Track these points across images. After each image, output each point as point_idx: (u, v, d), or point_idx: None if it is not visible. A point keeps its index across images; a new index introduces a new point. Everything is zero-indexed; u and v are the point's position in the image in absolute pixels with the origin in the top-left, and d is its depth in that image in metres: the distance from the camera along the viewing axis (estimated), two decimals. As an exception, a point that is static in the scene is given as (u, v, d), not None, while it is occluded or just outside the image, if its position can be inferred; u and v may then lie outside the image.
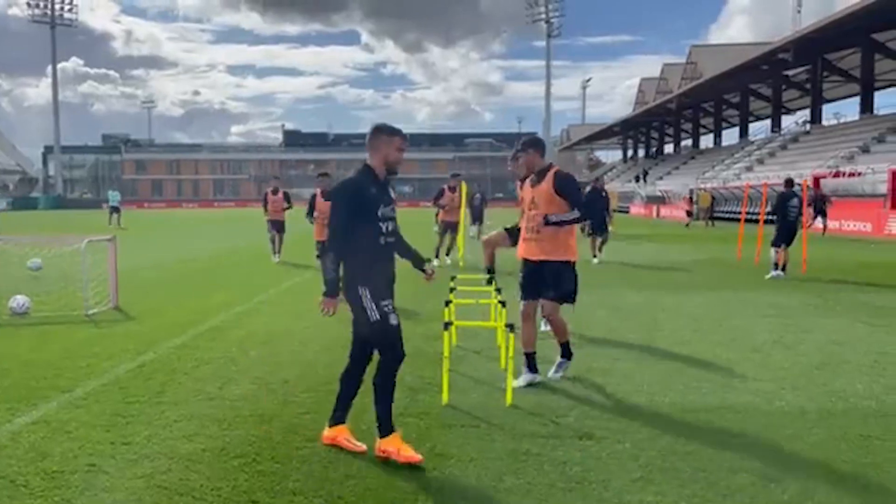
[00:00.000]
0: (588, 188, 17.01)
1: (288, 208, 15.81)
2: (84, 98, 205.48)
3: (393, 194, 4.24)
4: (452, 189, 14.96)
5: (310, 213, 11.66)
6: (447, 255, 15.30)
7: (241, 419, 4.63)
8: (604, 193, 16.59)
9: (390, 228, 4.11)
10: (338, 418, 4.20)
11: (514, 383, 5.14)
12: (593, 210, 15.71)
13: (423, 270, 4.42)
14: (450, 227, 15.08)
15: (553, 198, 5.33)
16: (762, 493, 3.54)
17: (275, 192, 15.84)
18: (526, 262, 5.53)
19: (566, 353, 5.68)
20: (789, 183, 13.21)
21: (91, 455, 4.02)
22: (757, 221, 17.33)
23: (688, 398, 5.13)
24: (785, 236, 12.57)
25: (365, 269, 4.03)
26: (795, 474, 3.75)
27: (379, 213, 4.04)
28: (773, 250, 12.63)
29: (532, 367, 5.50)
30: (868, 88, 40.85)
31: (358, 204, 3.96)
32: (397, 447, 3.93)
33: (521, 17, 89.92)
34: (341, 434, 4.17)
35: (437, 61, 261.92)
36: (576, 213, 5.29)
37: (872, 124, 37.94)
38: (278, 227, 15.61)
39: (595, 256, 15.40)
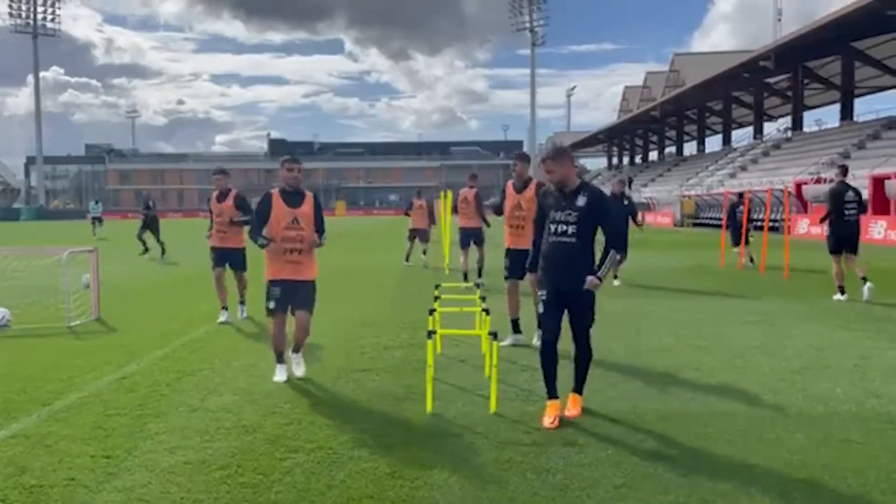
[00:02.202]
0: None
1: (246, 223, 8.64)
2: (65, 107, 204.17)
3: (579, 201, 4.83)
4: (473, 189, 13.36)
5: (252, 223, 6.93)
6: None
7: (223, 431, 4.61)
8: (626, 202, 13.28)
9: (559, 230, 4.84)
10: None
11: (501, 343, 6.27)
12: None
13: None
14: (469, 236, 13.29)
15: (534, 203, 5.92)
16: (743, 498, 3.56)
17: (222, 196, 8.87)
18: (512, 250, 7.14)
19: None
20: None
21: (70, 469, 3.98)
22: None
23: (670, 404, 5.16)
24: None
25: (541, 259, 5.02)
26: (776, 478, 3.78)
27: (550, 216, 4.92)
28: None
29: (516, 330, 7.27)
30: (848, 95, 41.42)
31: (539, 207, 5.13)
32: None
33: (506, 26, 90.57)
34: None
35: (421, 69, 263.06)
36: None
37: (853, 131, 38.44)
38: (230, 258, 8.90)
39: (615, 278, 12.56)
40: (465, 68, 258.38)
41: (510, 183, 7.30)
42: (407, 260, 16.76)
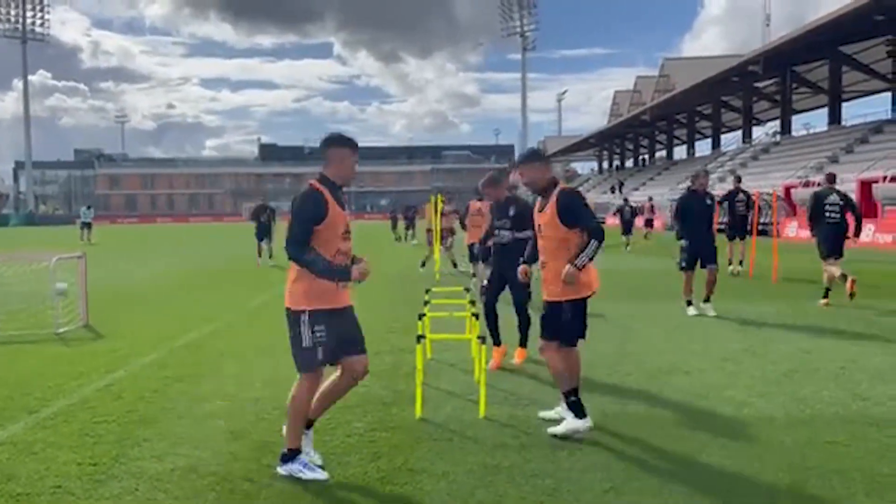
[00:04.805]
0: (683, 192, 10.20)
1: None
2: (52, 112, 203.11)
3: (511, 211, 6.57)
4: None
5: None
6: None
7: (211, 437, 4.59)
8: (709, 200, 9.56)
9: (498, 234, 6.59)
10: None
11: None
12: (691, 226, 9.33)
13: None
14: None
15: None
16: (731, 501, 3.58)
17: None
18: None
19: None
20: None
21: (57, 476, 3.95)
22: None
23: (659, 407, 5.18)
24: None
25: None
26: (764, 481, 3.81)
27: (492, 223, 6.73)
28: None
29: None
30: (836, 100, 41.74)
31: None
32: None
33: (498, 30, 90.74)
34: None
35: (412, 72, 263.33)
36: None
37: (841, 135, 38.73)
38: None
39: (707, 301, 9.44)
40: (457, 72, 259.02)
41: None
42: (455, 266, 15.72)
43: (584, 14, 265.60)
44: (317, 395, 4.01)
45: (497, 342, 6.52)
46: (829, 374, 6.08)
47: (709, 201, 9.52)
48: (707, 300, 9.41)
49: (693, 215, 9.34)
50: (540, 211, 4.78)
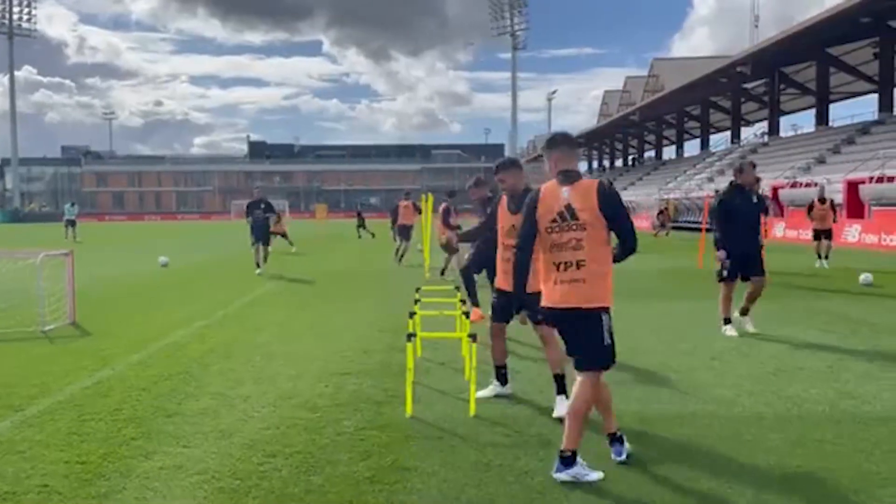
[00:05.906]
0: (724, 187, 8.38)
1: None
2: (38, 108, 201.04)
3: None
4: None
5: None
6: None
7: (200, 435, 4.56)
8: (755, 198, 8.11)
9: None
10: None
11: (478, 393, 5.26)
12: (735, 229, 7.78)
13: None
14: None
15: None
16: (720, 499, 3.59)
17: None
18: (501, 291, 5.29)
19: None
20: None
21: (44, 475, 3.91)
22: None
23: (649, 407, 5.19)
24: None
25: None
26: (753, 479, 3.82)
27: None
28: None
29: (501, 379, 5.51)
30: (823, 101, 42.04)
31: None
32: None
33: (488, 29, 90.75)
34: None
35: (402, 71, 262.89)
36: None
37: (828, 136, 39.00)
38: None
39: (745, 314, 8.11)
40: (447, 70, 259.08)
41: (504, 199, 5.40)
42: (399, 261, 17.29)
43: (575, 14, 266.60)
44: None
45: (475, 303, 7.99)
46: (816, 373, 6.12)
47: (755, 199, 7.98)
48: (746, 312, 8.04)
49: (738, 216, 7.75)
50: (514, 213, 5.04)
